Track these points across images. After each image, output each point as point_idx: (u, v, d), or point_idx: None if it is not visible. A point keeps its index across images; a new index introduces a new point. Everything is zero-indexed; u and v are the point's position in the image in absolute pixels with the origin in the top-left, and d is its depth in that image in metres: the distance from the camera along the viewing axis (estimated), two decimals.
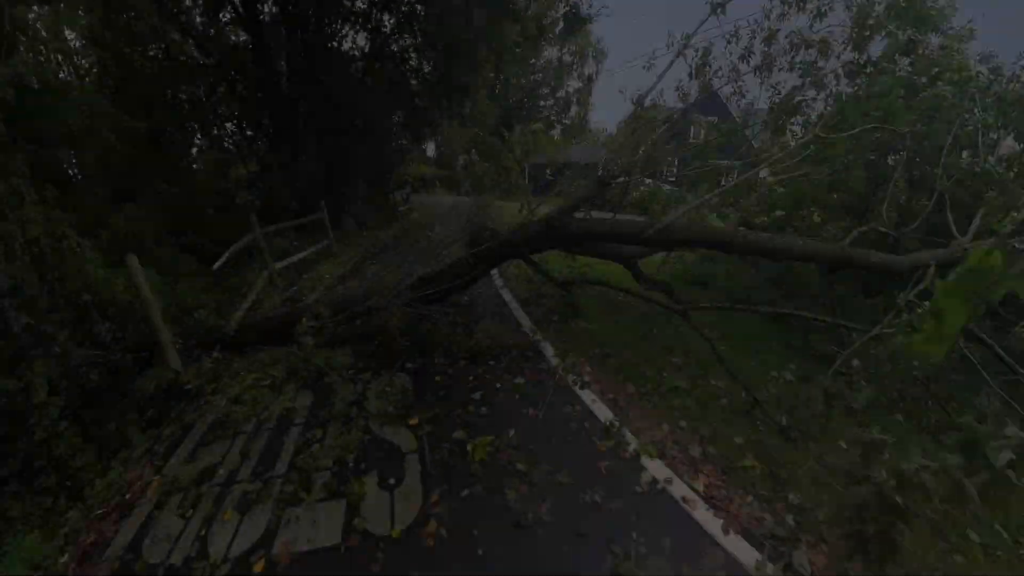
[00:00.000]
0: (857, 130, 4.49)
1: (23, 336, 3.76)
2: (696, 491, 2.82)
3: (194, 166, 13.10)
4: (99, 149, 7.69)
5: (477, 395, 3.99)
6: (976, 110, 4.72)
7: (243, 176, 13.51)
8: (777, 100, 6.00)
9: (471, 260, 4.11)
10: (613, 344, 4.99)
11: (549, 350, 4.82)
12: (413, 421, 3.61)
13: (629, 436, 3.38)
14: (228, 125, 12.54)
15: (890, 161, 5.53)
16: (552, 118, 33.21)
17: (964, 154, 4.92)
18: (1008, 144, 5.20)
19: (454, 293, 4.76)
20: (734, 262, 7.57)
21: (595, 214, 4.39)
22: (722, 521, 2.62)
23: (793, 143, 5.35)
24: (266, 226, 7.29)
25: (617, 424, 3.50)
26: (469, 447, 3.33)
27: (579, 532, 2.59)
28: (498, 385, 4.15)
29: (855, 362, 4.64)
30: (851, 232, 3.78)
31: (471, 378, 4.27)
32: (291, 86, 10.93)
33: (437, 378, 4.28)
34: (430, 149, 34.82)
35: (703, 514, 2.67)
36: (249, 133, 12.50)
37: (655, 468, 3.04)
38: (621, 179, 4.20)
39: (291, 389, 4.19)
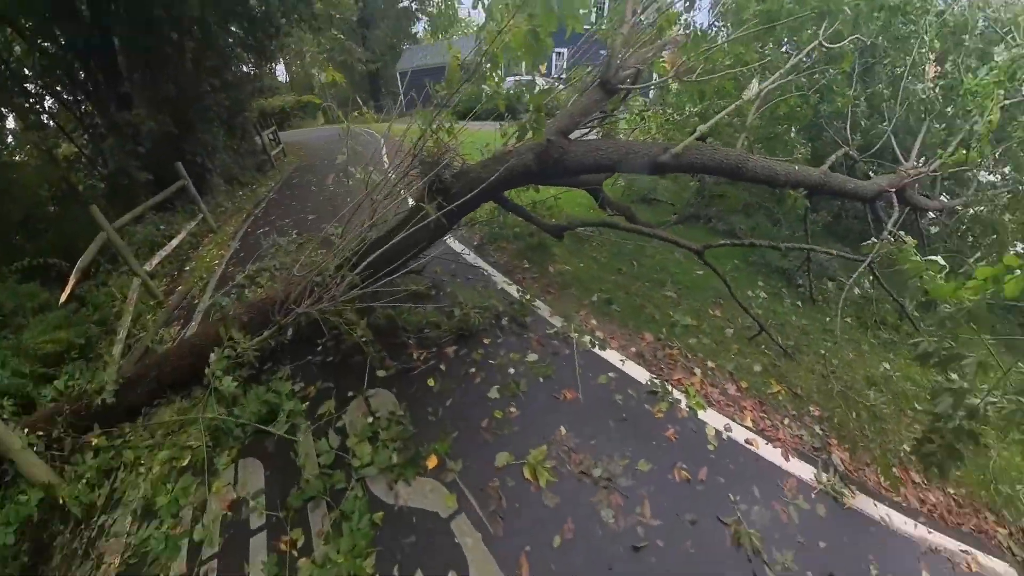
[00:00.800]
0: (846, 42, 3.73)
1: None
2: (750, 429, 2.86)
3: (15, 158, 9.58)
4: None
5: (493, 392, 3.05)
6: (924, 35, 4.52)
7: (74, 155, 10.16)
8: None
9: (432, 216, 2.82)
10: (603, 286, 4.42)
11: (543, 308, 3.94)
12: (431, 462, 2.61)
13: (676, 392, 3.09)
14: (32, 88, 8.77)
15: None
16: (415, 6, 27.62)
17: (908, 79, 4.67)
18: (935, 69, 5.11)
19: (410, 263, 3.49)
20: (674, 177, 7.38)
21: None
22: (779, 450, 2.73)
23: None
24: (119, 215, 5.19)
25: (658, 382, 3.14)
26: (525, 471, 2.49)
27: (691, 520, 2.29)
28: (511, 370, 3.23)
29: (856, 291, 4.61)
30: (829, 156, 3.63)
31: (472, 370, 3.27)
32: (91, 6, 7.79)
33: (430, 381, 3.20)
34: (281, 75, 27.80)
35: (765, 449, 2.73)
36: (67, 97, 9.02)
37: (711, 418, 2.92)
38: (629, 82, 3.16)
39: (226, 463, 2.86)
